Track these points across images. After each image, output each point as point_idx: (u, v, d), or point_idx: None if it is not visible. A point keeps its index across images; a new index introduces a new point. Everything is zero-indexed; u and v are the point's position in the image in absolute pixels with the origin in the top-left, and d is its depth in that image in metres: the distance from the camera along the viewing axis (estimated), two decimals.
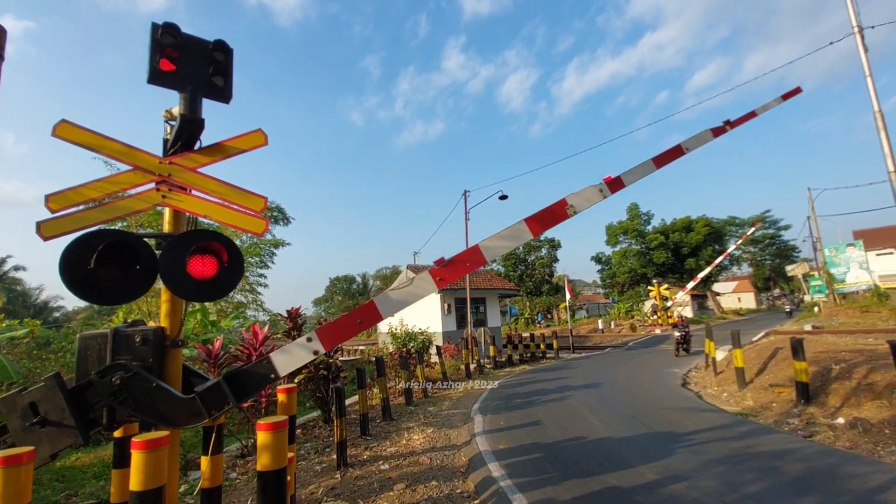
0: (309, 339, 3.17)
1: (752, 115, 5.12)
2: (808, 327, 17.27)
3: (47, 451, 2.65)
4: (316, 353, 3.17)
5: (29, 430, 2.64)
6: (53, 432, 2.66)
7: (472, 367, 15.63)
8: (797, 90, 5.56)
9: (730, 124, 4.92)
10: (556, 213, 3.75)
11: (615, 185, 3.97)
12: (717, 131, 4.81)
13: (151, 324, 3.26)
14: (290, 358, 3.12)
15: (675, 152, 4.51)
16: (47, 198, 2.82)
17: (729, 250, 40.26)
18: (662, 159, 4.39)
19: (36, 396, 2.67)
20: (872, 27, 10.53)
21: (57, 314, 41.14)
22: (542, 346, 20.38)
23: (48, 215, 2.81)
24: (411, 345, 16.78)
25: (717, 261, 37.33)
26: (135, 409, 2.76)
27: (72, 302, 46.14)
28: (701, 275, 33.40)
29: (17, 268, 40.16)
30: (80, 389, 2.77)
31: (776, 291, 66.23)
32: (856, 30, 10.20)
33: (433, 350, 16.64)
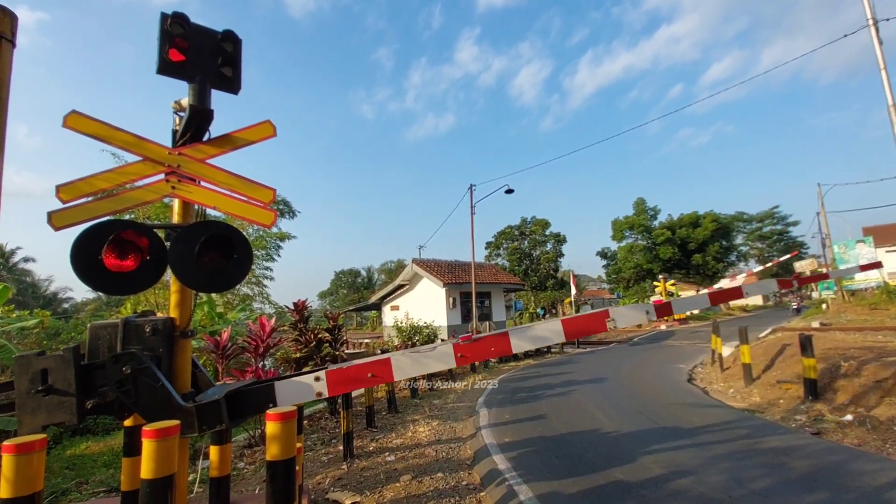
0: (317, 379, 3.14)
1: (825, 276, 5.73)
2: (815, 324, 17.12)
3: (42, 421, 2.68)
4: (319, 394, 3.15)
5: (32, 396, 2.67)
6: (53, 403, 2.69)
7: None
8: None
9: (798, 280, 5.51)
10: (595, 323, 3.74)
11: (663, 310, 3.93)
12: (783, 284, 5.24)
13: (160, 314, 3.28)
14: (293, 392, 3.11)
15: (734, 293, 4.84)
16: (58, 188, 2.82)
17: (754, 270, 39.84)
18: (718, 297, 4.74)
19: (50, 364, 2.71)
20: (888, 20, 10.33)
21: (66, 305, 41.77)
22: None
23: (59, 206, 2.82)
24: (416, 338, 16.83)
25: (741, 277, 37.11)
26: (133, 402, 2.78)
27: (81, 293, 46.79)
28: (717, 286, 33.26)
29: (26, 259, 40.82)
30: (92, 368, 2.80)
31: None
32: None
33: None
